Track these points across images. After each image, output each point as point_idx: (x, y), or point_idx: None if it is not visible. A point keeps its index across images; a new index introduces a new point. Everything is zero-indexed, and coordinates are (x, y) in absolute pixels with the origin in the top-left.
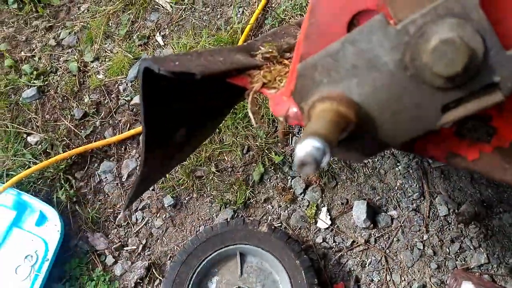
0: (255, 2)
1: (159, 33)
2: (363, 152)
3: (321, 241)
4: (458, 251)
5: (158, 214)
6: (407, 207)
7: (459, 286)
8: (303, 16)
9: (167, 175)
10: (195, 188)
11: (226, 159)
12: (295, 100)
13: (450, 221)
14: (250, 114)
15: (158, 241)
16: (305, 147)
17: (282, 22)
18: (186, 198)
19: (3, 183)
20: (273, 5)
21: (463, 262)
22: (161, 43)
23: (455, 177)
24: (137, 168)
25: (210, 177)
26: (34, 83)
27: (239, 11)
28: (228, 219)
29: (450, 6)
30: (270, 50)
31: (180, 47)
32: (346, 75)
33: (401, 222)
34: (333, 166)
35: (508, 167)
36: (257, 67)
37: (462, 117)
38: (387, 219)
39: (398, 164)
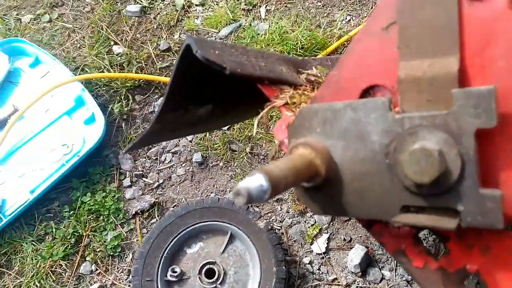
0: (365, 16)
1: (266, 6)
2: (322, 207)
3: (308, 262)
4: None
5: (184, 164)
6: (402, 276)
7: None
8: None
9: (207, 134)
10: (224, 158)
11: (264, 146)
12: (288, 134)
13: None
14: (255, 124)
15: (173, 187)
16: (252, 182)
17: None
18: (213, 163)
19: (76, 75)
20: None
21: None
22: (263, 16)
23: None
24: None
25: (242, 155)
26: (141, 1)
27: (345, 18)
28: None
29: (448, 121)
30: (319, 74)
31: (275, 28)
32: (337, 135)
33: (389, 286)
34: None
35: None
36: (295, 86)
37: (414, 225)
38: (378, 275)
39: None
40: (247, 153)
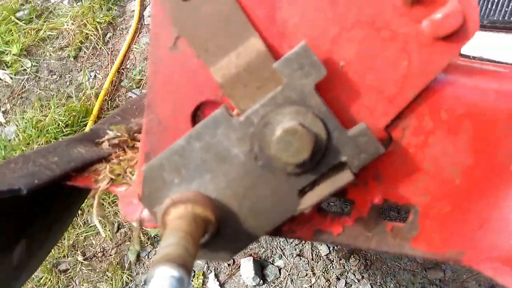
0: (108, 64)
1: None
2: (230, 249)
3: None
4: (345, 287)
5: None
6: (291, 254)
7: None
8: None
9: None
10: (60, 285)
11: (94, 243)
12: (146, 206)
13: (332, 259)
14: (96, 222)
15: None
16: (161, 281)
17: (140, 83)
18: None
19: None
20: (128, 66)
21: None
22: (2, 120)
23: None
24: None
25: (78, 268)
26: None
27: (90, 76)
28: None
29: (287, 95)
30: (119, 134)
31: (26, 122)
32: (198, 172)
33: (289, 271)
34: None
35: (371, 235)
36: (105, 159)
37: (320, 201)
38: (275, 270)
39: None
40: (81, 262)
